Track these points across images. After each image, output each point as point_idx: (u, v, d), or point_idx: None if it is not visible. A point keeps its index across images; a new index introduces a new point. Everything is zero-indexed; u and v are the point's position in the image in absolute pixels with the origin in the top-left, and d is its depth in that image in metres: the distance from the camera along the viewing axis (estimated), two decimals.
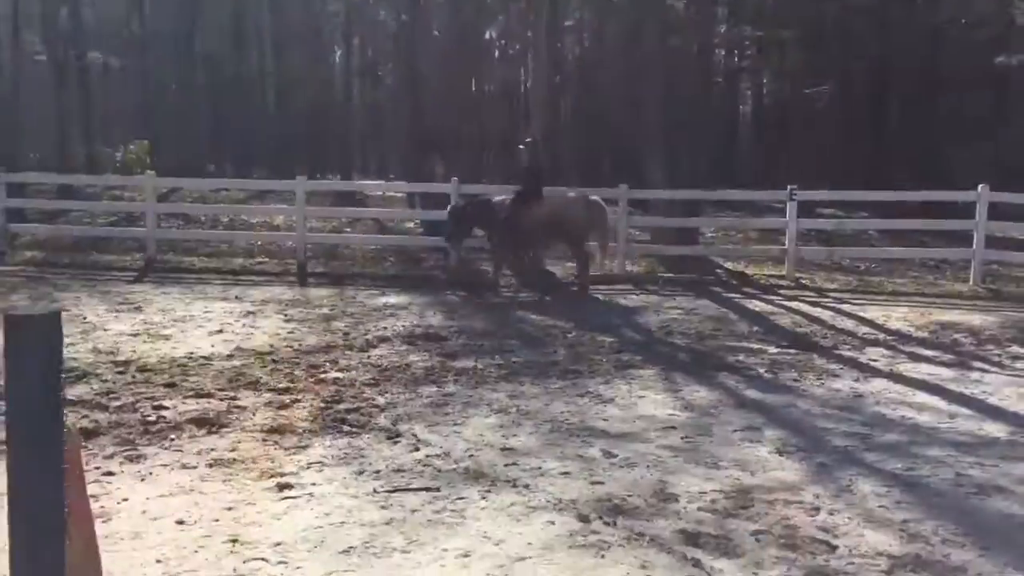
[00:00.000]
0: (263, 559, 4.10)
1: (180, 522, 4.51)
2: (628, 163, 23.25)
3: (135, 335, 9.08)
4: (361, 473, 5.23)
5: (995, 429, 6.28)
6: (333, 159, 38.87)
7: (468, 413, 6.48)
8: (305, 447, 5.68)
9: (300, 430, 6.00)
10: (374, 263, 14.93)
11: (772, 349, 8.83)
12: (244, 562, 4.07)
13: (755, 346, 8.97)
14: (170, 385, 7.11)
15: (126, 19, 38.99)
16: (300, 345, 8.69)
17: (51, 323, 2.57)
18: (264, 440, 5.80)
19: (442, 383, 7.32)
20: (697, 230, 15.51)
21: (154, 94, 36.52)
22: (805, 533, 4.45)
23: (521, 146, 13.08)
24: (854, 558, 4.18)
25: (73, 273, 13.49)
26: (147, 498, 4.82)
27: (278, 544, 4.26)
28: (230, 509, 4.68)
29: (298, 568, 4.01)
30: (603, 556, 4.16)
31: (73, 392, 6.71)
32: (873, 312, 11.03)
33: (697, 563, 4.09)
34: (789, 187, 13.60)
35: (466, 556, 4.15)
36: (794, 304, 11.59)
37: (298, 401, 6.70)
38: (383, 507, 4.72)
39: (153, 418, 6.23)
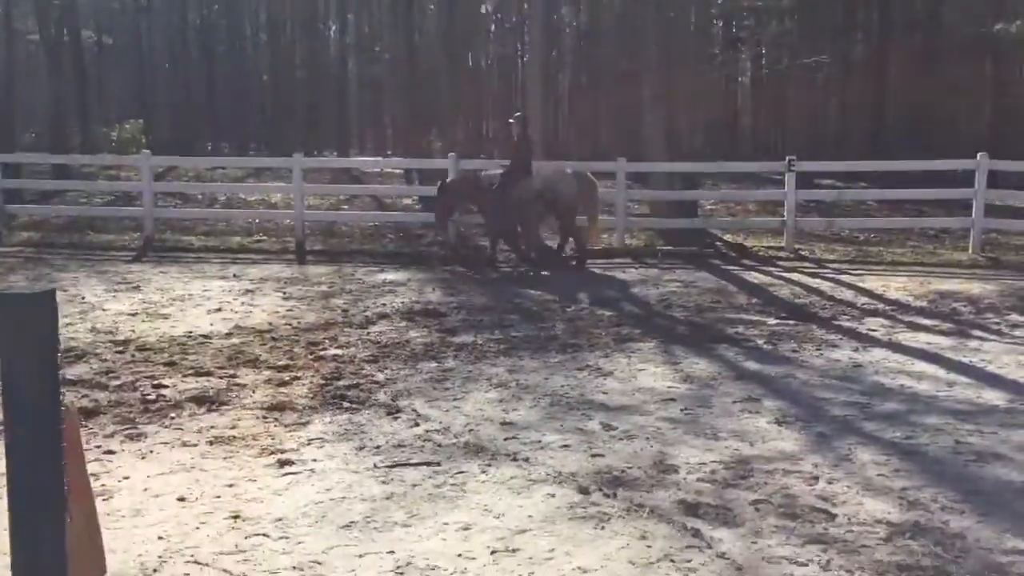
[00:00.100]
0: (265, 535, 4.12)
1: (181, 499, 4.52)
2: (626, 136, 23.15)
3: (134, 314, 9.08)
4: (361, 449, 5.24)
5: (994, 397, 6.29)
6: (330, 136, 38.73)
7: (468, 388, 6.49)
8: (305, 424, 5.69)
9: (300, 407, 6.01)
10: (372, 240, 14.91)
11: (771, 320, 8.83)
12: (246, 538, 4.09)
13: (754, 318, 8.97)
14: (169, 364, 7.11)
15: None
16: (299, 323, 8.68)
17: (46, 302, 2.56)
18: (264, 417, 5.81)
19: (441, 358, 7.32)
20: (696, 202, 15.46)
21: (148, 73, 36.30)
22: (804, 502, 4.46)
23: (511, 120, 13.00)
24: (853, 526, 4.19)
25: (71, 254, 13.47)
26: (148, 476, 4.83)
27: (279, 520, 4.28)
28: (231, 486, 4.70)
29: (300, 543, 4.03)
30: (603, 527, 4.18)
31: (72, 372, 6.71)
32: (872, 282, 11.03)
33: (697, 533, 4.11)
34: (788, 158, 13.55)
35: (467, 529, 4.17)
36: (793, 275, 11.58)
37: (298, 378, 6.71)
38: (384, 482, 4.74)
39: (153, 397, 6.23)
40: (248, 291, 10.44)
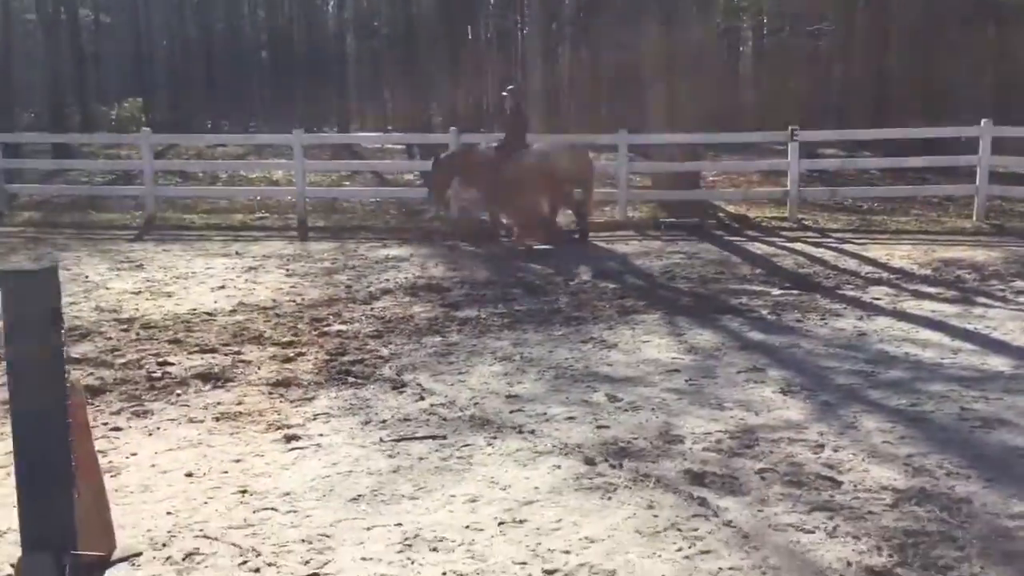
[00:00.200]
0: (273, 509, 4.14)
1: (189, 475, 4.54)
2: (627, 108, 23.01)
3: (137, 293, 9.08)
4: (367, 423, 5.26)
5: (999, 363, 6.29)
6: (330, 112, 38.56)
7: (472, 362, 6.49)
8: (311, 399, 5.70)
9: (305, 382, 6.03)
10: (375, 216, 14.87)
11: (775, 291, 8.81)
12: (254, 512, 4.11)
13: (758, 288, 8.95)
14: (174, 341, 7.13)
15: None
16: (303, 299, 8.68)
17: (48, 277, 2.55)
18: (270, 393, 5.83)
19: (446, 333, 7.33)
20: (698, 174, 15.38)
21: (146, 51, 36.10)
22: (810, 470, 4.47)
23: (504, 93, 12.89)
24: (859, 493, 4.20)
25: (73, 233, 13.46)
26: (155, 452, 4.85)
27: (287, 494, 4.30)
28: (238, 461, 4.72)
29: (308, 516, 4.05)
30: (610, 498, 4.19)
31: (77, 350, 6.73)
32: (876, 251, 11.00)
33: (703, 502, 4.12)
34: (790, 127, 13.47)
35: (474, 501, 4.18)
36: (796, 245, 11.55)
37: (302, 354, 6.72)
38: (390, 456, 4.75)
39: (158, 374, 6.25)
40: (251, 268, 10.43)
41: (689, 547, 3.70)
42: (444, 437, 5.00)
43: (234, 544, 3.79)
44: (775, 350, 6.71)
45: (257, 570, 3.59)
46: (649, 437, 4.94)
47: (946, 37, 24.45)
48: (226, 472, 4.57)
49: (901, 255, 10.67)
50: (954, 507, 4.04)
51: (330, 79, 38.03)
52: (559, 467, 4.56)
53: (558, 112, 26.19)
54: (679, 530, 3.85)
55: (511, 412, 5.40)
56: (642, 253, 11.19)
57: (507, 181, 11.81)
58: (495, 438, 4.98)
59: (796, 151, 13.36)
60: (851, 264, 10.22)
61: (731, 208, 14.62)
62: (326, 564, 3.62)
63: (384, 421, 5.28)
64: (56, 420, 2.62)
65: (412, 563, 3.61)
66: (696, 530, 3.85)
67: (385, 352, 6.76)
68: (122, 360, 6.60)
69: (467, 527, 3.92)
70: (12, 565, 3.33)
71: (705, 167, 16.06)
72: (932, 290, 8.76)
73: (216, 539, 3.84)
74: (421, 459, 4.70)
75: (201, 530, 3.93)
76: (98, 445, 4.30)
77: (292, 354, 6.71)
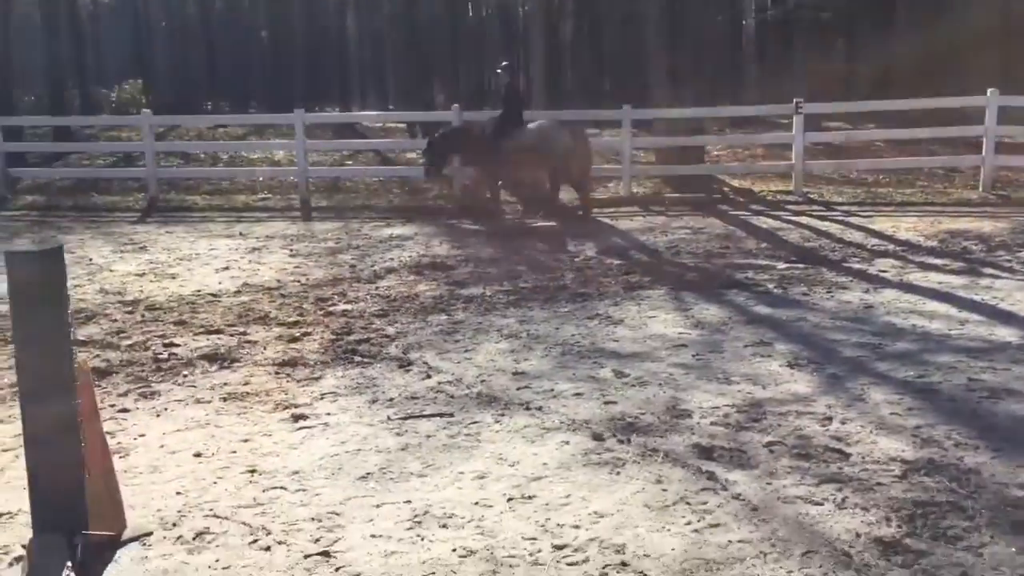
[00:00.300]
0: (282, 488, 4.15)
1: (198, 455, 4.55)
2: (631, 83, 22.88)
3: (141, 275, 9.08)
4: (374, 402, 5.26)
5: (1006, 334, 6.27)
6: (331, 91, 38.39)
7: (478, 340, 6.48)
8: (318, 378, 5.70)
9: (312, 362, 6.03)
10: (378, 195, 14.84)
11: (781, 265, 8.79)
12: (263, 491, 4.12)
13: (764, 262, 8.92)
14: (180, 323, 7.13)
15: None
16: (307, 279, 8.68)
17: (54, 258, 2.54)
18: (276, 373, 5.83)
19: (451, 311, 7.32)
20: (702, 148, 15.30)
21: (145, 32, 35.90)
22: (818, 442, 4.47)
23: (499, 70, 12.82)
24: (868, 464, 4.20)
25: (76, 216, 13.46)
26: (163, 433, 4.86)
27: (296, 473, 4.30)
28: (246, 441, 4.72)
29: (317, 495, 4.06)
30: (618, 473, 4.19)
31: (83, 332, 6.73)
32: (882, 223, 10.95)
33: (712, 476, 4.12)
34: (795, 100, 13.37)
35: (482, 478, 4.19)
36: (802, 219, 11.50)
37: (308, 334, 6.71)
38: (398, 434, 4.76)
39: (165, 355, 6.25)
40: (255, 249, 10.42)
41: (698, 521, 3.71)
42: (451, 415, 5.00)
43: (244, 523, 3.80)
44: (782, 324, 6.70)
45: (268, 548, 3.60)
46: (657, 412, 4.94)
47: (952, 6, 24.20)
48: (234, 452, 4.58)
49: (907, 227, 10.63)
50: (963, 477, 4.03)
51: (331, 58, 37.84)
52: (567, 443, 4.56)
53: (561, 88, 26.02)
54: (688, 504, 3.86)
55: (518, 389, 5.40)
56: (647, 228, 11.15)
57: (503, 158, 11.78)
58: (503, 415, 4.98)
59: (801, 124, 13.27)
60: (857, 237, 10.18)
61: (736, 182, 14.56)
62: (336, 541, 3.63)
63: (391, 399, 5.28)
64: (65, 402, 2.62)
65: (422, 540, 3.62)
66: (705, 504, 3.85)
67: (391, 331, 6.76)
68: (128, 342, 6.61)
69: (476, 503, 3.92)
70: (24, 546, 3.35)
71: (709, 141, 15.97)
72: (939, 261, 8.73)
73: (226, 518, 3.85)
74: (429, 437, 4.70)
75: (211, 509, 3.94)
76: (106, 427, 4.31)
77: (298, 334, 6.71)
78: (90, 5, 34.78)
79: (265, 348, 6.38)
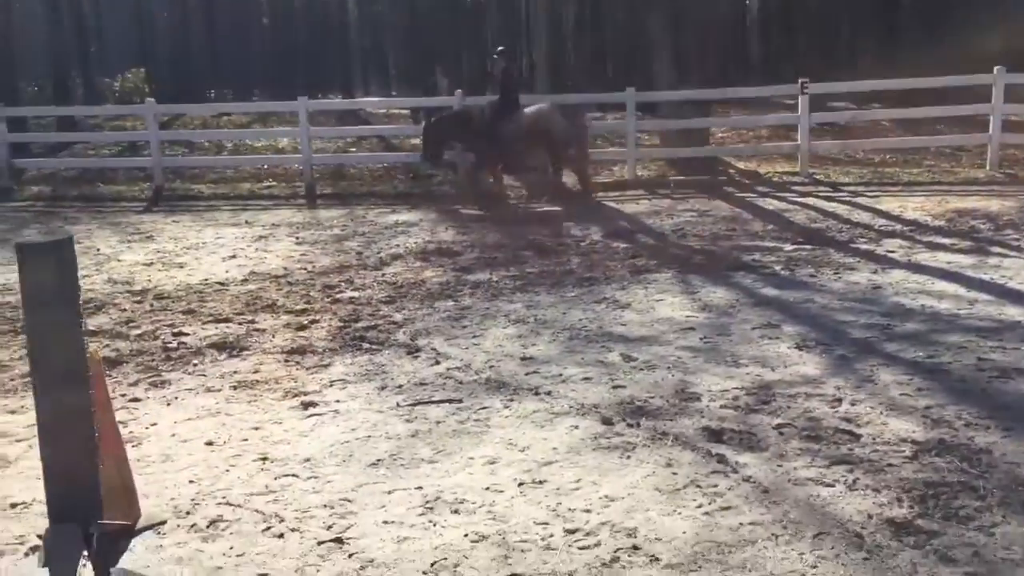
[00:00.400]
0: (294, 475, 4.17)
1: (209, 443, 4.57)
2: (634, 65, 22.76)
3: (149, 264, 9.10)
4: (384, 388, 5.27)
5: (1016, 312, 6.25)
6: (334, 78, 38.27)
7: (486, 325, 6.49)
8: (327, 366, 5.72)
9: (320, 349, 6.04)
10: (382, 181, 14.82)
11: (788, 246, 8.77)
12: (275, 479, 4.13)
13: (770, 244, 8.90)
14: (188, 312, 7.14)
15: None
16: (314, 266, 8.68)
17: (65, 249, 2.54)
18: (285, 361, 5.84)
19: (458, 297, 7.32)
20: (707, 130, 15.24)
21: (147, 20, 35.81)
22: (828, 424, 4.47)
23: (495, 55, 12.79)
24: (878, 446, 4.20)
25: (82, 206, 13.47)
26: (175, 422, 4.88)
27: (307, 460, 4.32)
28: (257, 429, 4.74)
29: (329, 482, 4.07)
30: (628, 457, 4.20)
31: (92, 323, 6.76)
32: (889, 203, 10.91)
33: (722, 459, 4.12)
34: (800, 80, 13.30)
35: (493, 463, 4.20)
36: (808, 200, 11.47)
37: (316, 322, 6.73)
38: (408, 420, 4.77)
39: (174, 344, 6.27)
40: (261, 237, 10.43)
41: (709, 503, 3.71)
42: (460, 400, 5.01)
43: (257, 510, 3.82)
44: (790, 306, 6.69)
45: (281, 535, 3.62)
46: (666, 396, 4.95)
47: None
48: (246, 440, 4.60)
49: (914, 207, 10.59)
50: (974, 457, 4.03)
51: (332, 44, 37.71)
52: (576, 427, 4.57)
53: (564, 72, 25.89)
54: (699, 487, 3.86)
55: (527, 374, 5.41)
56: (652, 212, 11.13)
57: (500, 143, 11.77)
58: (512, 400, 4.99)
59: (806, 104, 13.21)
60: (864, 217, 10.15)
61: (741, 164, 14.51)
62: (349, 528, 3.65)
63: (400, 386, 5.29)
64: (78, 392, 2.63)
65: (434, 525, 3.64)
66: (716, 486, 3.86)
67: (398, 317, 6.76)
68: (137, 331, 6.63)
69: (487, 489, 3.94)
70: (39, 536, 3.37)
71: (714, 123, 15.89)
72: (946, 241, 8.70)
73: (239, 506, 3.87)
74: (439, 423, 4.71)
75: (224, 497, 3.96)
76: (118, 416, 4.32)
77: (306, 321, 6.72)
78: None
79: (274, 336, 6.40)
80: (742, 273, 7.77)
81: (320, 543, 3.54)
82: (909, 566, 3.20)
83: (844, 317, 6.33)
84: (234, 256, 9.37)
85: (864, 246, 8.65)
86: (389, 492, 3.95)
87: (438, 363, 5.68)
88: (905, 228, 9.45)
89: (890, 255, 8.20)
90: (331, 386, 5.35)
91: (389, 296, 7.40)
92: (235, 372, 5.65)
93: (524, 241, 9.58)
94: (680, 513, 3.65)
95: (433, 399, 5.06)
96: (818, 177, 13.13)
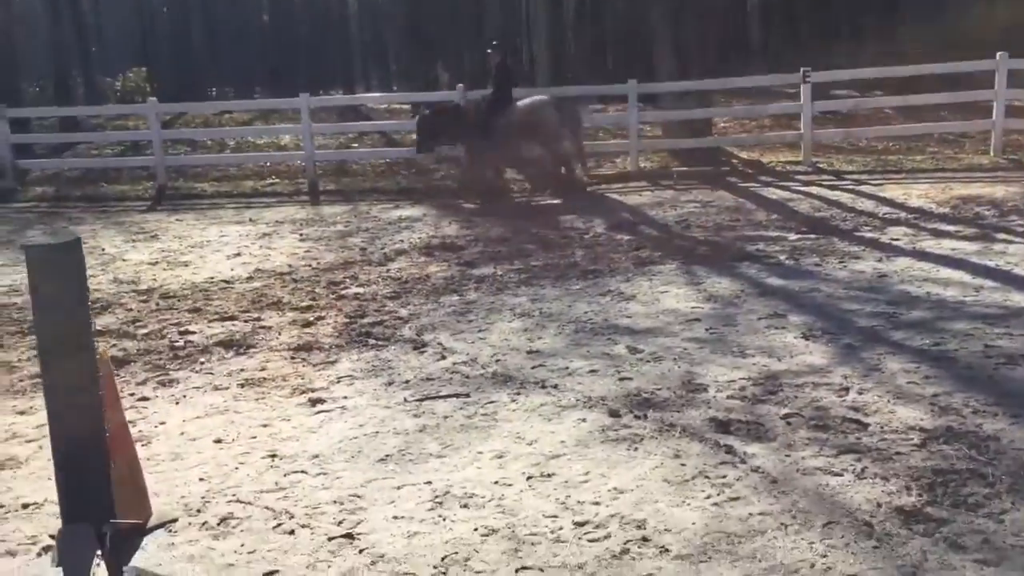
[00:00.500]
0: (303, 471, 4.18)
1: (218, 441, 4.59)
2: (636, 57, 22.72)
3: (154, 263, 9.12)
4: (391, 384, 5.28)
5: (1022, 299, 6.24)
6: (334, 74, 38.24)
7: (491, 319, 6.49)
8: (333, 362, 5.73)
9: (327, 346, 6.05)
10: (385, 177, 14.82)
11: (792, 236, 8.75)
12: (284, 475, 4.15)
13: (775, 234, 8.89)
14: (194, 310, 7.16)
15: None
16: (318, 263, 8.70)
17: (73, 250, 2.55)
18: (292, 358, 5.86)
19: (463, 291, 7.33)
20: (709, 121, 15.19)
21: (147, 19, 35.78)
22: (836, 413, 4.47)
23: (489, 49, 12.80)
24: (886, 434, 4.20)
25: (86, 206, 13.49)
26: (183, 420, 4.90)
27: (316, 456, 4.34)
28: (265, 426, 4.76)
29: (338, 478, 4.09)
30: (636, 448, 4.21)
31: (99, 322, 6.77)
32: (893, 191, 10.89)
33: (730, 449, 4.13)
34: (802, 69, 13.26)
35: (501, 457, 4.21)
36: (812, 189, 11.44)
37: (322, 318, 6.74)
38: (415, 415, 4.78)
39: (181, 343, 6.29)
40: (265, 234, 10.44)
41: (718, 494, 3.72)
42: (468, 395, 5.02)
43: (267, 507, 3.84)
44: (795, 295, 6.68)
45: (291, 532, 3.63)
46: (672, 387, 4.95)
47: None
48: (254, 437, 4.62)
49: (918, 194, 10.57)
50: (982, 445, 4.03)
51: (333, 40, 37.67)
52: (584, 420, 4.57)
53: (565, 64, 25.82)
54: (707, 478, 3.87)
55: (533, 367, 5.42)
56: (656, 203, 11.12)
57: (494, 136, 11.77)
58: (519, 394, 5.00)
59: (809, 93, 13.17)
60: (868, 205, 10.13)
61: (744, 154, 14.48)
62: (359, 524, 3.66)
63: (407, 381, 5.30)
64: (88, 392, 2.64)
65: (444, 520, 3.65)
66: (724, 477, 3.87)
67: (404, 313, 6.77)
68: (144, 331, 6.65)
69: (496, 483, 3.95)
70: (52, 536, 3.39)
71: (716, 113, 15.85)
72: (951, 228, 8.68)
73: (249, 503, 3.89)
74: (446, 417, 4.72)
75: (234, 495, 3.97)
76: (127, 415, 4.34)
77: (311, 318, 6.74)
78: None
79: (280, 333, 6.41)
80: (747, 263, 7.76)
81: (330, 539, 3.56)
82: (919, 554, 3.20)
83: (850, 306, 6.33)
84: (239, 254, 9.38)
85: (869, 234, 8.63)
86: (398, 487, 3.96)
87: (444, 358, 5.69)
88: (909, 216, 9.43)
89: (895, 243, 8.19)
90: (338, 382, 5.36)
91: (394, 292, 7.41)
92: (242, 370, 5.67)
93: (528, 235, 9.58)
94: (689, 504, 3.66)
95: (440, 394, 5.07)
96: (821, 166, 13.10)
